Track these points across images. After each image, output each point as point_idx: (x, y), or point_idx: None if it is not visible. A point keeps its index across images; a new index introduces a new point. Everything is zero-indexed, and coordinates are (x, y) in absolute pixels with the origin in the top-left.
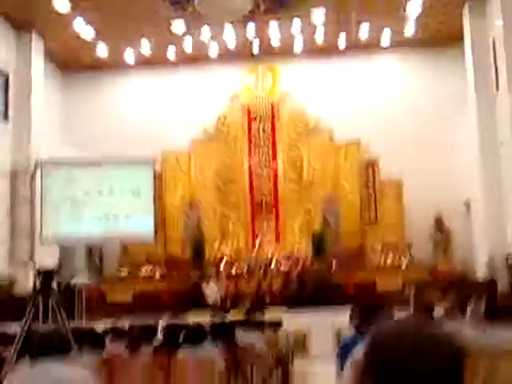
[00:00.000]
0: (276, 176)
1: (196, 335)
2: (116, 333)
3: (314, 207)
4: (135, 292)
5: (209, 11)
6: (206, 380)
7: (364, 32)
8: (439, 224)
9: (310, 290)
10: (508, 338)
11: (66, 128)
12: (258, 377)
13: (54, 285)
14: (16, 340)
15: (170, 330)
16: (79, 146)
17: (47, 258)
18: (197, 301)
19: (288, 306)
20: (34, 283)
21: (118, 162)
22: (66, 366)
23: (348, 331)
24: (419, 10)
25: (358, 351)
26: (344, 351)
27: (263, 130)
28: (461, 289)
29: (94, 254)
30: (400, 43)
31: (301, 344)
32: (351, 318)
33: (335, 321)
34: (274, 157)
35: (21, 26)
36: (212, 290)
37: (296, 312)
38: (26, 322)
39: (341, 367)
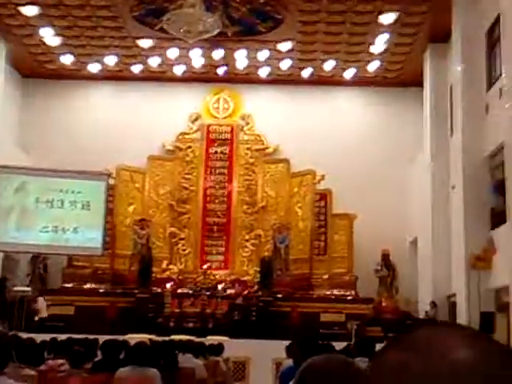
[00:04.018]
0: (230, 199)
1: (137, 355)
2: (56, 346)
3: (265, 233)
4: (78, 306)
5: (177, 30)
6: None
7: (328, 66)
8: (386, 260)
9: (254, 317)
10: None
11: (22, 135)
12: None
13: None
14: None
15: (111, 348)
16: (35, 155)
17: None
18: (139, 318)
19: (231, 334)
20: None
21: (72, 173)
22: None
23: (287, 362)
24: (382, 49)
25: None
26: (282, 381)
27: (221, 153)
28: (402, 327)
29: (39, 264)
30: (362, 80)
31: (240, 372)
32: (289, 349)
33: (276, 351)
34: (230, 180)
35: None
36: (42, 305)
37: (238, 339)
38: None
39: None
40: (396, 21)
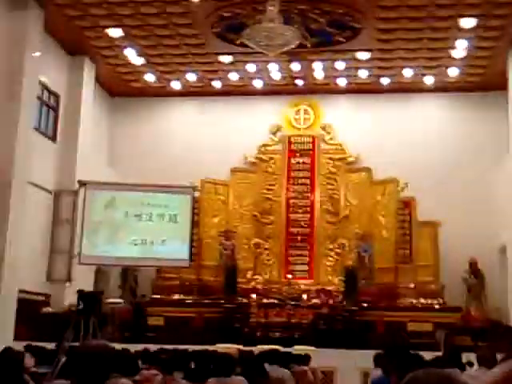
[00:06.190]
0: (313, 209)
1: (225, 365)
2: (148, 356)
3: (348, 242)
4: (167, 317)
5: (257, 44)
6: None
7: (407, 74)
8: (474, 268)
9: (339, 327)
10: None
11: (111, 152)
12: None
13: (96, 307)
14: (57, 358)
15: (200, 358)
16: (122, 170)
17: (83, 278)
18: (226, 328)
19: (316, 344)
20: (77, 304)
21: (159, 188)
22: None
23: (375, 372)
24: (463, 54)
25: None
26: None
27: (302, 163)
28: (492, 335)
29: (129, 276)
30: (442, 86)
31: (328, 381)
32: (377, 359)
33: (362, 361)
34: (312, 190)
35: (74, 51)
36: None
37: (324, 348)
38: (66, 340)
39: None
40: (477, 24)
